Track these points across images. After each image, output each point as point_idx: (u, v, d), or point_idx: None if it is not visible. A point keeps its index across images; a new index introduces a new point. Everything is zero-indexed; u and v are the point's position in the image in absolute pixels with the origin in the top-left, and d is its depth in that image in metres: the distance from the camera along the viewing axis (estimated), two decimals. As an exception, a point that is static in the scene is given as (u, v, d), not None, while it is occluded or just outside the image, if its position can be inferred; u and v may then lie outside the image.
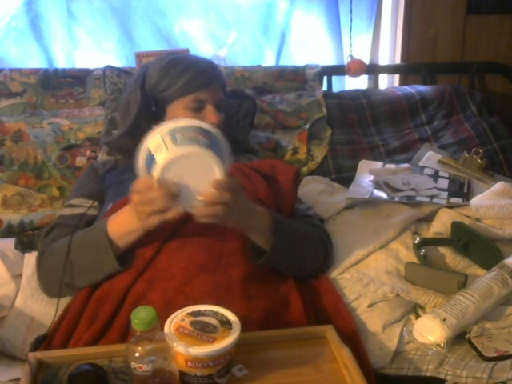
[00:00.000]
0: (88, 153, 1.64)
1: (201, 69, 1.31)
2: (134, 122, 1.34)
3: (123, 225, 1.06)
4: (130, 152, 1.44)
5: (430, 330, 1.04)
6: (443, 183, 1.51)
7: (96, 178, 1.35)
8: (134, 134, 1.38)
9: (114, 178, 1.33)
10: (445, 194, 1.46)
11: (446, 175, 1.55)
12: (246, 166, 1.29)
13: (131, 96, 1.35)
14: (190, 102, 1.29)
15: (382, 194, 1.45)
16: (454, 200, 1.43)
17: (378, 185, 1.48)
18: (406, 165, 1.63)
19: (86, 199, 1.29)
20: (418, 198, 1.42)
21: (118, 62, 1.88)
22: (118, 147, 1.45)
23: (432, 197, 1.43)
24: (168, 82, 1.29)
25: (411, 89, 1.94)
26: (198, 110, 1.30)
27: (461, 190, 1.49)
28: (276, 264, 1.13)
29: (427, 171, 1.58)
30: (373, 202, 1.43)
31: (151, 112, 1.31)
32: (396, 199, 1.41)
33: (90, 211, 1.25)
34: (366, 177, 1.55)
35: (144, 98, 1.31)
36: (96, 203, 1.28)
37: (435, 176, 1.55)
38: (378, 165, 1.63)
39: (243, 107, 1.63)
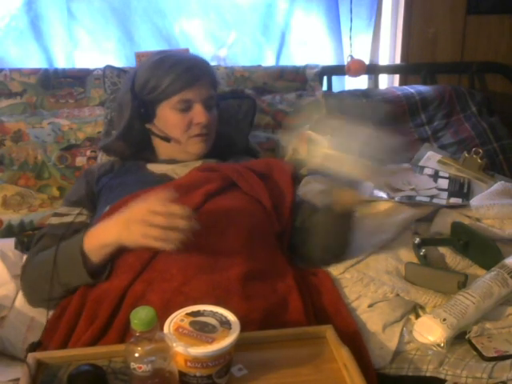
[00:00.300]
0: (88, 153, 1.64)
1: (185, 67, 1.29)
2: (127, 125, 1.34)
3: (100, 237, 1.07)
4: (124, 154, 1.44)
5: (429, 330, 1.04)
6: (443, 183, 1.51)
7: (86, 184, 1.34)
8: (127, 136, 1.38)
9: (111, 180, 1.33)
10: (445, 194, 1.46)
11: (446, 175, 1.55)
12: (242, 167, 1.29)
13: (123, 98, 1.35)
14: (177, 103, 1.28)
15: (382, 194, 1.45)
16: (453, 200, 1.43)
17: (378, 185, 1.48)
18: (406, 165, 1.62)
19: (72, 207, 1.29)
20: (418, 198, 1.42)
21: (118, 62, 1.88)
22: (113, 150, 1.45)
23: (432, 197, 1.43)
24: (154, 83, 1.28)
25: (411, 89, 1.94)
26: (185, 110, 1.30)
27: (461, 190, 1.49)
28: (340, 227, 1.19)
29: (427, 171, 1.57)
30: (373, 202, 1.43)
31: (141, 113, 1.31)
32: (396, 199, 1.41)
33: (77, 219, 1.26)
34: (366, 177, 1.55)
35: (134, 100, 1.31)
36: (83, 210, 1.28)
37: (435, 176, 1.55)
38: (379, 164, 1.63)
39: (243, 107, 1.63)
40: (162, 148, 1.38)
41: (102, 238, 1.07)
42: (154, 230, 0.99)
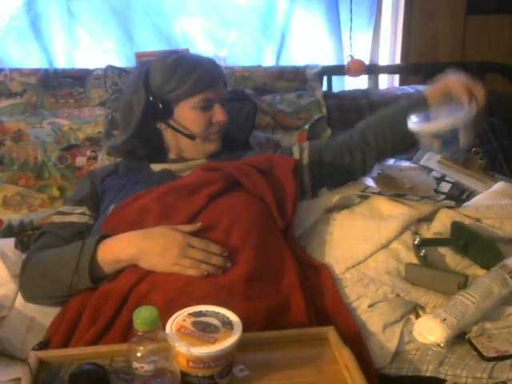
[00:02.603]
0: (88, 153, 1.64)
1: (206, 69, 1.34)
2: (139, 123, 1.35)
3: (114, 253, 1.08)
4: (135, 153, 1.44)
5: (430, 330, 1.04)
6: (445, 187, 1.51)
7: (90, 184, 1.35)
8: (139, 134, 1.38)
9: (115, 181, 1.34)
10: (441, 198, 1.46)
11: (452, 181, 1.55)
12: (244, 164, 1.29)
13: (134, 97, 1.35)
14: (199, 102, 1.32)
15: (371, 182, 1.44)
16: (445, 201, 1.43)
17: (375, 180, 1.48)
18: (414, 165, 1.62)
19: (76, 207, 1.30)
20: (408, 197, 1.41)
21: (118, 62, 1.87)
22: (124, 150, 1.44)
23: (424, 198, 1.43)
24: (176, 83, 1.31)
25: (411, 89, 1.94)
26: (206, 108, 1.34)
27: (459, 197, 1.49)
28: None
29: (435, 173, 1.57)
30: (372, 202, 1.43)
31: (157, 111, 1.32)
32: (387, 194, 1.40)
33: (79, 219, 1.27)
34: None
35: (148, 98, 1.32)
36: (86, 209, 1.29)
37: (440, 179, 1.55)
38: (389, 161, 1.63)
39: (244, 109, 1.63)
40: (174, 146, 1.39)
41: (116, 254, 1.08)
42: (188, 260, 1.03)
